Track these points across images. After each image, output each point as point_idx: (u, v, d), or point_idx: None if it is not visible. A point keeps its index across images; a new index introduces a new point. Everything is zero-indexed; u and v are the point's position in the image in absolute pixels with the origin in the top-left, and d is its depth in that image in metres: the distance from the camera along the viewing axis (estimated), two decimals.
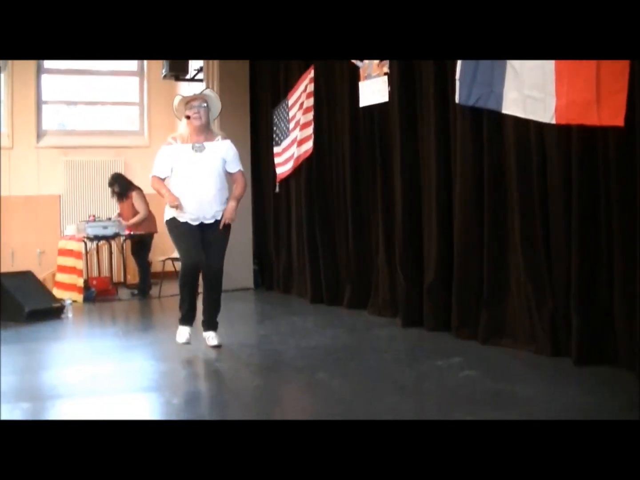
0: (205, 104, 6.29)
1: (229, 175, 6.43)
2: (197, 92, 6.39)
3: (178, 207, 6.11)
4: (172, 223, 6.26)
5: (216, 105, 6.46)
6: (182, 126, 6.37)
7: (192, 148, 6.21)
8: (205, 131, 6.31)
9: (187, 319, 6.39)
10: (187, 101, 6.30)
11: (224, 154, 6.33)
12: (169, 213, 6.27)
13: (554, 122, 5.34)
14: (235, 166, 6.45)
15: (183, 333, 6.33)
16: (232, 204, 6.33)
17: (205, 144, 6.25)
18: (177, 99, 6.40)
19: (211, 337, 6.42)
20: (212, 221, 6.25)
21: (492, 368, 5.37)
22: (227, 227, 6.34)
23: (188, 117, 6.20)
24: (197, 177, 6.17)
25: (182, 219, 6.20)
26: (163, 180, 6.29)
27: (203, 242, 6.26)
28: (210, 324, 6.48)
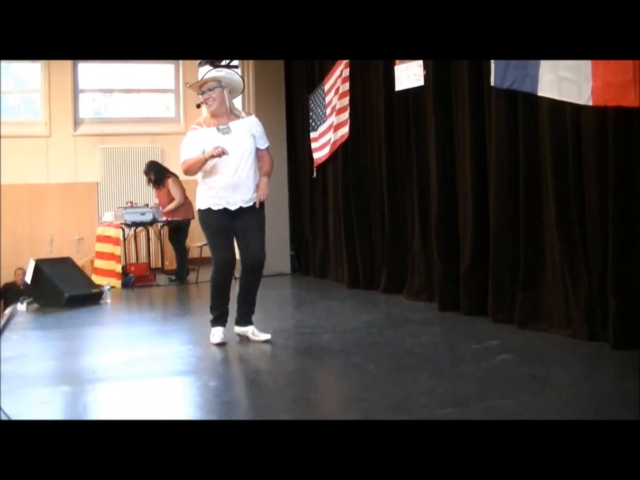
0: (216, 86, 5.92)
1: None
2: (206, 74, 6.02)
3: (224, 152, 5.70)
4: (205, 215, 5.99)
5: (233, 82, 6.07)
6: (204, 110, 6.11)
7: (218, 130, 5.91)
8: (225, 112, 5.97)
9: (220, 320, 6.11)
10: (198, 87, 6.00)
11: (253, 131, 6.01)
12: (204, 203, 5.96)
13: (590, 104, 5.27)
14: (264, 142, 6.10)
15: (217, 334, 6.03)
16: (265, 179, 6.02)
17: (231, 124, 5.95)
18: (191, 84, 6.18)
19: (256, 332, 6.10)
20: (251, 204, 5.95)
21: (528, 352, 5.34)
22: (262, 211, 6.04)
23: (199, 106, 6.04)
24: (230, 161, 5.84)
25: (218, 206, 5.90)
26: None
27: (238, 231, 6.01)
28: (250, 318, 6.17)
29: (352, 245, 9.45)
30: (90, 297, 8.97)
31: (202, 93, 5.94)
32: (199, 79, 6.05)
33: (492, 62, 6.21)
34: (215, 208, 5.93)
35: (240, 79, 6.19)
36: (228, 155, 5.78)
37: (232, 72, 6.16)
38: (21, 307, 8.60)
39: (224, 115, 5.98)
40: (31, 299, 8.88)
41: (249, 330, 6.13)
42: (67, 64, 14.06)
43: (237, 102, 6.82)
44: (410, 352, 5.55)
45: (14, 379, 5.00)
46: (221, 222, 5.94)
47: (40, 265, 8.95)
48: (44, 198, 13.79)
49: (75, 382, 5.06)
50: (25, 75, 14.72)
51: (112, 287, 10.04)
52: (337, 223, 10.00)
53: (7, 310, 8.88)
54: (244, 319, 6.15)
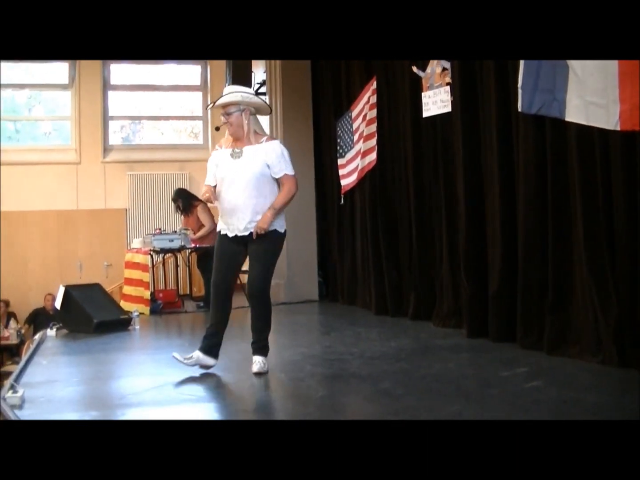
0: (234, 110, 5.80)
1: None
2: (220, 98, 5.91)
3: (210, 199, 5.83)
4: (217, 236, 5.96)
5: (251, 104, 5.89)
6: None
7: (231, 154, 5.80)
8: (243, 136, 5.83)
9: (202, 343, 6.04)
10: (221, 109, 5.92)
11: (266, 158, 5.76)
12: (218, 225, 5.99)
13: (618, 128, 5.26)
14: (278, 170, 5.79)
15: (191, 354, 6.00)
16: (268, 213, 5.69)
17: (245, 148, 5.79)
18: (211, 106, 6.14)
19: (256, 363, 5.82)
20: (246, 233, 5.76)
21: (557, 378, 5.29)
22: (272, 239, 5.82)
23: (217, 128, 6.01)
24: (232, 186, 5.73)
25: (224, 230, 5.87)
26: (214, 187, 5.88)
27: (249, 257, 5.95)
28: (258, 347, 5.91)
29: (380, 271, 9.44)
30: (119, 323, 9.00)
31: (222, 115, 5.88)
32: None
33: (520, 87, 6.21)
34: (222, 232, 5.91)
35: (259, 100, 6.05)
36: (212, 202, 5.89)
37: (250, 95, 5.96)
38: (51, 332, 8.64)
39: (242, 138, 5.85)
40: (60, 324, 8.93)
41: (253, 360, 5.88)
42: (97, 91, 14.24)
43: (265, 127, 6.73)
44: (438, 378, 5.52)
45: (44, 403, 5.03)
46: (224, 245, 5.89)
47: (69, 291, 9.00)
48: (74, 224, 13.92)
49: (104, 407, 5.06)
50: (56, 102, 14.92)
51: (141, 313, 10.06)
52: (365, 250, 10.00)
53: (37, 336, 9.01)
54: (252, 347, 5.95)
